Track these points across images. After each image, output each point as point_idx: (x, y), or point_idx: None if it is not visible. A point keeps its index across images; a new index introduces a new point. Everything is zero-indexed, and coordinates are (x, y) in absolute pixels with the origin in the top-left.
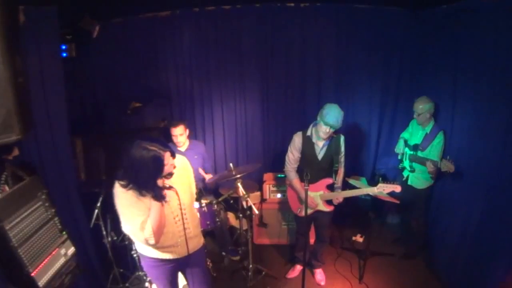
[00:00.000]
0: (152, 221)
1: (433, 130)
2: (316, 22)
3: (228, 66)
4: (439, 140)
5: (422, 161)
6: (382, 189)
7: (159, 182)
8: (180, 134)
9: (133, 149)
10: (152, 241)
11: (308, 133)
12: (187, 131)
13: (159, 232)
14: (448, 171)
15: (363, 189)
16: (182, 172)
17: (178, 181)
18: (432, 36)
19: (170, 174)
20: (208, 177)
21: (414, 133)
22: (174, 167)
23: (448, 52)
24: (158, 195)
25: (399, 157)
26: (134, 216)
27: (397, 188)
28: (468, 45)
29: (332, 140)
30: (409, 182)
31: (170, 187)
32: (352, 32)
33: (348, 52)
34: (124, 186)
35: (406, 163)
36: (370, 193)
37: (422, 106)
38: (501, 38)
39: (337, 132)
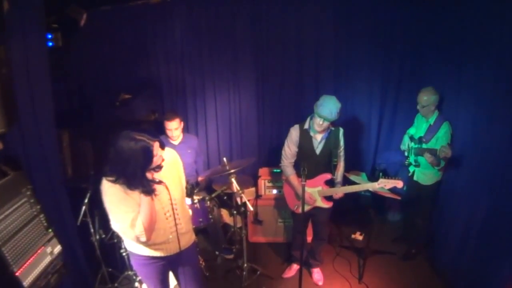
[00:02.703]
0: (143, 217)
1: (437, 122)
2: (314, 10)
3: (222, 55)
4: (444, 131)
5: (424, 153)
6: (384, 185)
7: (148, 175)
8: (175, 128)
9: (121, 140)
10: (143, 238)
11: (306, 126)
12: (182, 124)
13: (150, 228)
14: (446, 157)
15: (364, 185)
16: (172, 166)
17: (168, 175)
18: (435, 24)
19: (159, 167)
20: (200, 179)
21: (418, 126)
22: (163, 159)
23: (452, 41)
24: (147, 189)
25: (406, 154)
26: (124, 213)
27: (399, 184)
28: (473, 33)
29: (330, 133)
30: (415, 178)
31: (159, 182)
32: (351, 19)
33: (347, 41)
34: (112, 182)
35: (411, 158)
36: (371, 189)
37: (427, 98)
38: (507, 25)
39: (336, 125)
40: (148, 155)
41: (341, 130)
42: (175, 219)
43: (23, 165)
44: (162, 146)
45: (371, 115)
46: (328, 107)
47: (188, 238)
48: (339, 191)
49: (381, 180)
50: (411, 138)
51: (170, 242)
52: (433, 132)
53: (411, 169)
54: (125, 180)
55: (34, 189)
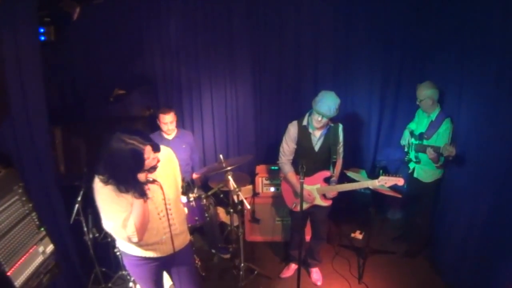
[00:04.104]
0: (135, 218)
1: (438, 118)
2: (313, 4)
3: (218, 50)
4: (445, 128)
5: (425, 149)
6: (384, 182)
7: (141, 176)
8: (170, 122)
9: (112, 142)
10: (135, 239)
11: (304, 122)
12: (176, 118)
13: (142, 229)
14: (450, 156)
15: (363, 182)
16: (167, 164)
17: (162, 174)
18: (436, 18)
19: (154, 168)
20: (195, 176)
21: (419, 122)
22: (158, 161)
23: (453, 35)
24: (139, 192)
25: (405, 150)
26: (116, 212)
27: (400, 181)
28: (475, 27)
29: (329, 129)
30: (415, 175)
31: (153, 181)
32: (350, 13)
33: (346, 35)
34: (103, 181)
35: (411, 155)
36: (371, 187)
37: (425, 92)
38: (509, 21)
39: (335, 121)
40: (138, 159)
41: (340, 126)
42: (168, 219)
43: (15, 162)
44: (156, 149)
45: (371, 111)
46: (327, 103)
47: (183, 239)
48: (339, 189)
49: (381, 177)
50: (412, 134)
51: (163, 243)
52: (434, 128)
53: (411, 166)
54: (116, 181)
55: (25, 187)
